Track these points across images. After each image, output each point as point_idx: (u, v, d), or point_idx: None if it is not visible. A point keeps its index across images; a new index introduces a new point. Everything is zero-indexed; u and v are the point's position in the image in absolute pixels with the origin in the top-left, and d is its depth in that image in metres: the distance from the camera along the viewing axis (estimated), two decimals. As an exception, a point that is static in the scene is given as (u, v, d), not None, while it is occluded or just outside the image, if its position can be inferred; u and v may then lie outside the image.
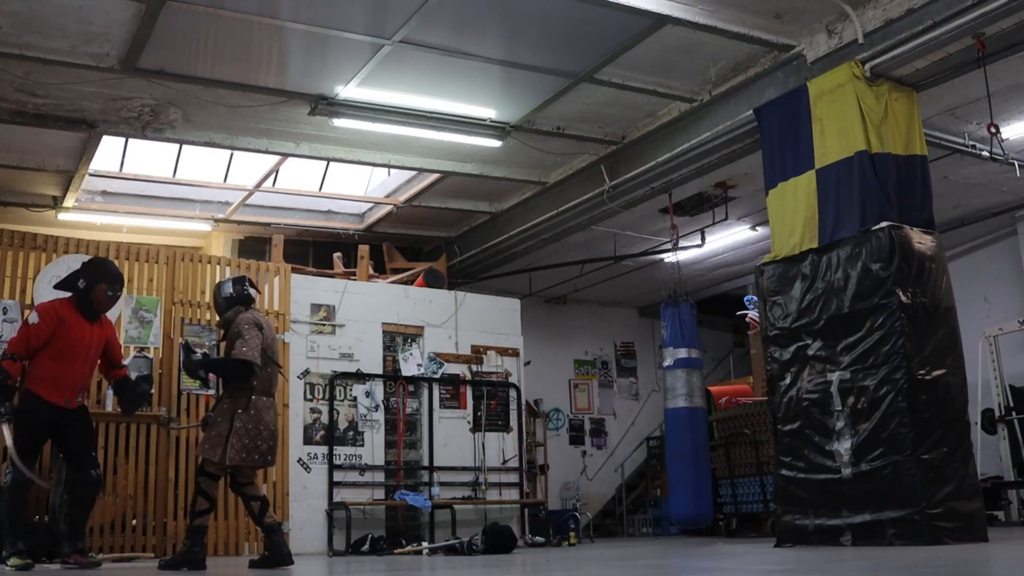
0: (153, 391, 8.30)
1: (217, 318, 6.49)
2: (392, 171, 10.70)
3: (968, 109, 8.22)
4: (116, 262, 8.37)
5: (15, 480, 5.82)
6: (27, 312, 7.44)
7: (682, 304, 9.94)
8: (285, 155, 9.39)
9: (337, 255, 11.15)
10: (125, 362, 8.24)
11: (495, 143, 9.05)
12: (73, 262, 8.20)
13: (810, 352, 6.83)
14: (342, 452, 9.22)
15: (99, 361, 6.29)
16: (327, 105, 8.17)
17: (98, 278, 6.15)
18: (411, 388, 9.84)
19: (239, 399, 5.86)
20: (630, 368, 15.33)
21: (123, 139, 9.24)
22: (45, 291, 8.01)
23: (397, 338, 9.83)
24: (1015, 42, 6.60)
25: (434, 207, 11.12)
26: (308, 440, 9.08)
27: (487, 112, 8.60)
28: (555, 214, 10.31)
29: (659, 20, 6.96)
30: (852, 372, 6.51)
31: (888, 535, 6.11)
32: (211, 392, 8.49)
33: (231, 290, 6.12)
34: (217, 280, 9.00)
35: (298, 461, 8.94)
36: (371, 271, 10.74)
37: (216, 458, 5.78)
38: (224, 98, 8.10)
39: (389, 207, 11.15)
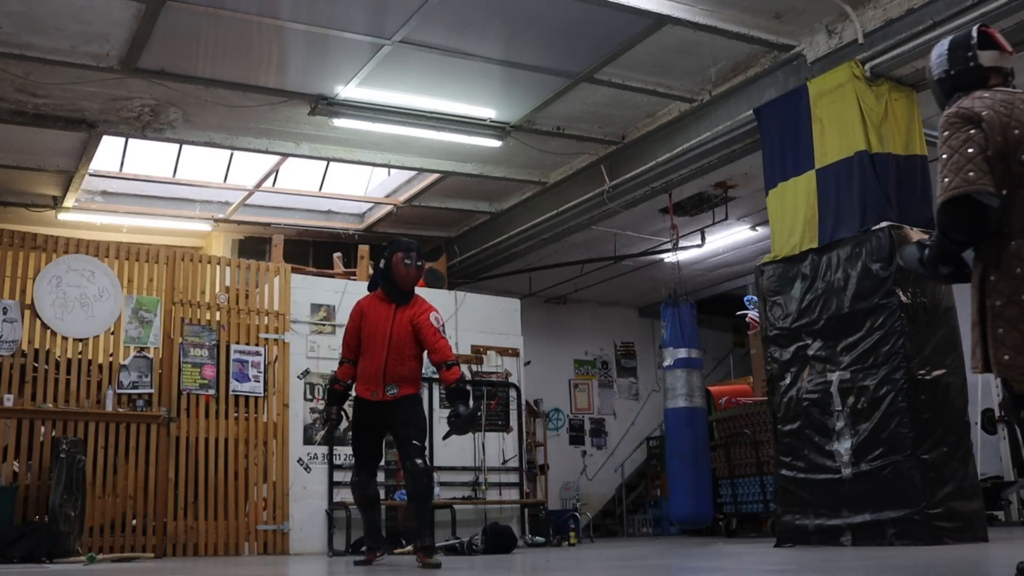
0: (153, 392, 8.31)
1: None
2: (392, 171, 10.70)
3: (968, 109, 8.22)
4: (116, 262, 8.43)
5: (353, 484, 6.00)
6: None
7: (682, 304, 9.94)
8: (285, 155, 9.39)
9: (337, 255, 11.15)
10: (125, 362, 8.28)
11: (495, 143, 9.05)
12: (73, 262, 8.24)
13: (810, 352, 6.84)
14: (342, 452, 9.20)
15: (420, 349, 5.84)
16: (327, 105, 8.17)
17: (393, 249, 5.85)
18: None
19: (987, 258, 3.20)
20: (630, 368, 15.33)
21: (123, 139, 9.24)
22: (45, 291, 8.02)
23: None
24: (1015, 42, 6.56)
25: (434, 207, 11.12)
26: (308, 440, 9.07)
27: (487, 112, 8.60)
28: (555, 214, 10.31)
29: (659, 20, 6.96)
30: (852, 372, 6.51)
31: (888, 535, 6.11)
32: (211, 393, 8.50)
33: (945, 65, 3.37)
34: (226, 281, 9.01)
35: (298, 461, 8.94)
36: (371, 271, 10.74)
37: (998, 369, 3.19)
38: (224, 98, 8.10)
39: (389, 207, 11.15)
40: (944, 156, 3.12)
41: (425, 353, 5.81)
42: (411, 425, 5.74)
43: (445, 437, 6.04)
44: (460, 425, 5.68)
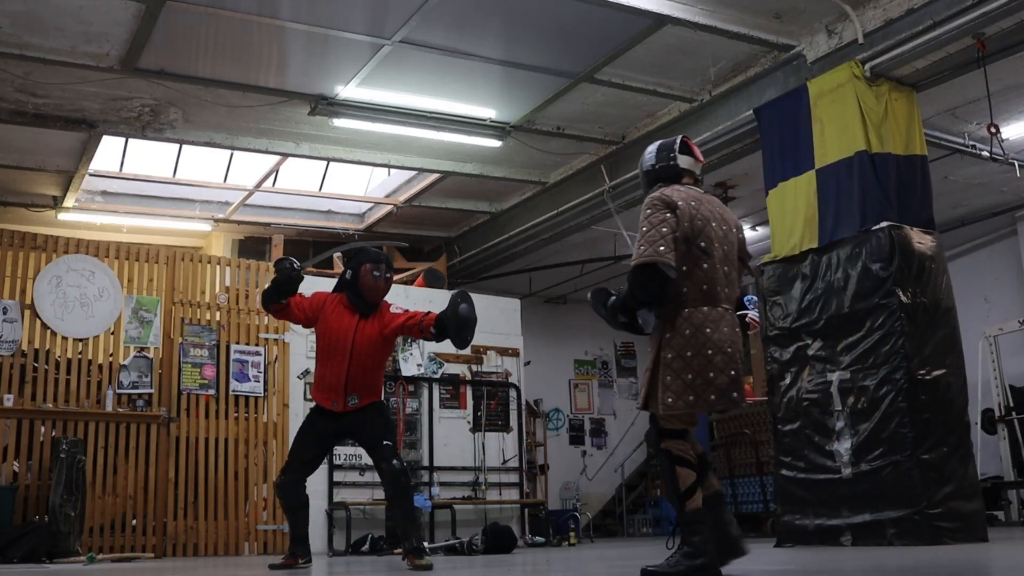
0: (153, 392, 8.31)
1: None
2: (392, 171, 10.70)
3: (968, 109, 8.23)
4: (116, 262, 8.44)
5: (281, 484, 5.72)
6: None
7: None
8: (285, 155, 9.39)
9: (337, 255, 11.15)
10: (125, 362, 8.28)
11: (495, 143, 9.05)
12: (73, 262, 8.24)
13: (810, 352, 6.83)
14: (342, 452, 9.20)
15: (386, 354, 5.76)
16: (327, 105, 8.17)
17: (361, 260, 5.64)
18: (411, 388, 9.84)
19: (676, 315, 3.88)
20: (630, 368, 15.33)
21: (123, 139, 9.23)
22: (45, 291, 8.03)
23: (397, 338, 9.82)
24: (1015, 42, 6.60)
25: (434, 207, 11.12)
26: (308, 440, 9.06)
27: (487, 112, 8.60)
28: (555, 214, 10.30)
29: (659, 20, 6.96)
30: (852, 372, 6.50)
31: (888, 535, 6.11)
32: (211, 393, 8.50)
33: (653, 160, 4.13)
34: (226, 281, 9.02)
35: (298, 461, 8.93)
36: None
37: (659, 409, 3.87)
38: (224, 98, 8.10)
39: (389, 207, 11.15)
40: (644, 229, 3.79)
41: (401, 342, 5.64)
42: (380, 427, 5.63)
43: (458, 335, 5.44)
44: (467, 314, 5.43)
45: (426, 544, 8.64)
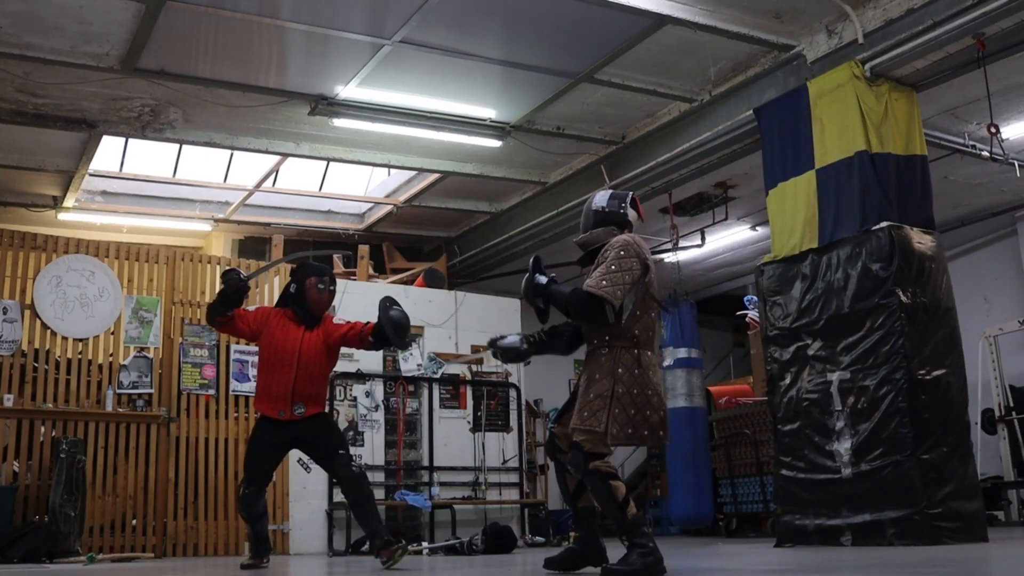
0: (153, 392, 8.32)
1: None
2: (392, 171, 10.70)
3: (968, 109, 8.23)
4: (116, 262, 8.44)
5: (243, 497, 5.89)
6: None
7: (682, 304, 9.94)
8: (285, 155, 9.38)
9: (337, 255, 11.15)
10: (125, 362, 8.29)
11: (495, 143, 9.05)
12: (73, 262, 8.24)
13: (810, 352, 6.83)
14: (342, 452, 9.21)
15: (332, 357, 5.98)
16: (327, 105, 8.17)
17: (306, 274, 5.91)
18: (411, 388, 9.84)
19: (624, 353, 4.32)
20: (630, 368, 15.29)
21: (123, 139, 9.23)
22: (45, 291, 8.03)
23: (341, 348, 9.81)
24: (1015, 42, 6.60)
25: (434, 207, 11.12)
26: (308, 440, 9.07)
27: (487, 112, 8.60)
28: (555, 214, 10.30)
29: (659, 20, 6.96)
30: (852, 372, 6.50)
31: (888, 535, 6.11)
32: (211, 393, 8.50)
33: (605, 203, 4.65)
34: (217, 280, 9.02)
35: (298, 461, 8.91)
36: (371, 271, 10.74)
37: (600, 428, 4.22)
38: (224, 98, 8.10)
39: (389, 207, 11.15)
40: (613, 267, 4.26)
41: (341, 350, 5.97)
42: (332, 437, 5.88)
43: (396, 338, 5.72)
44: (399, 317, 5.67)
45: (425, 544, 8.69)
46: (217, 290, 5.98)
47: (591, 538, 4.56)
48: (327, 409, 6.01)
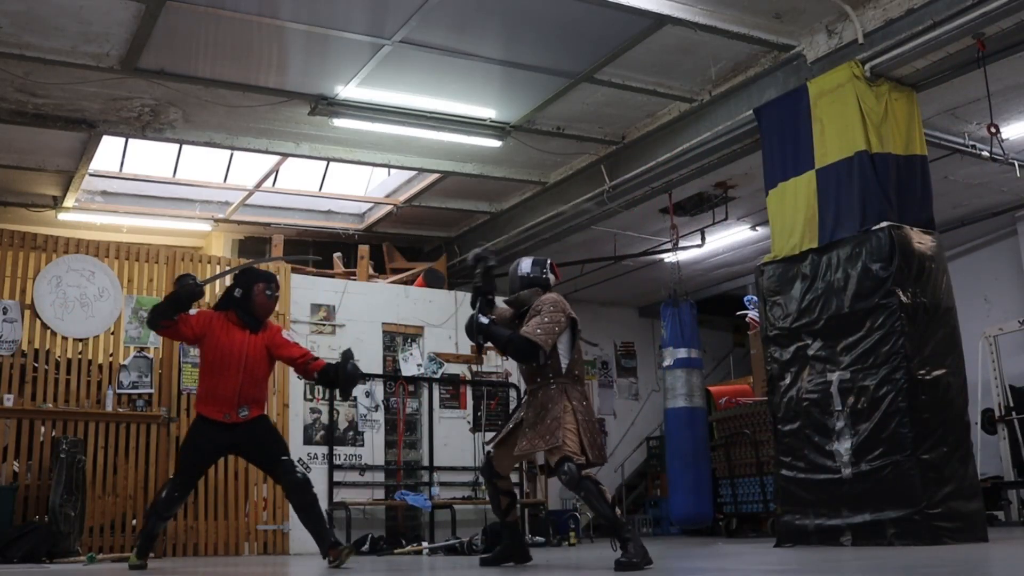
0: (153, 392, 8.32)
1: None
2: (392, 171, 10.70)
3: (968, 109, 8.22)
4: (116, 262, 8.44)
5: (170, 498, 5.84)
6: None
7: (682, 304, 9.93)
8: (285, 155, 9.38)
9: (337, 255, 11.15)
10: (125, 362, 8.29)
11: (495, 143, 9.05)
12: (73, 262, 8.24)
13: (810, 352, 6.83)
14: (342, 452, 9.22)
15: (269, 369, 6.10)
16: (327, 105, 8.17)
17: (253, 280, 5.98)
18: (411, 388, 9.85)
19: (566, 388, 5.23)
20: (630, 368, 15.32)
21: (123, 139, 9.23)
22: (45, 291, 8.03)
23: (397, 338, 9.83)
24: (1015, 42, 6.59)
25: (434, 207, 11.11)
26: (308, 440, 9.09)
27: (487, 112, 8.60)
28: (555, 214, 10.30)
29: (659, 20, 6.95)
30: (852, 372, 6.50)
31: (888, 535, 6.10)
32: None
33: (529, 270, 5.57)
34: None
35: (298, 461, 8.94)
36: (371, 271, 10.74)
37: (571, 447, 5.03)
38: (224, 98, 8.09)
39: (389, 207, 11.15)
40: (546, 319, 5.19)
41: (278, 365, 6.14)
42: (275, 443, 5.99)
43: (344, 388, 6.12)
44: (354, 370, 5.98)
45: (425, 544, 8.70)
46: (168, 294, 5.98)
47: (519, 542, 5.63)
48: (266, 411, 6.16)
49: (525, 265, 5.54)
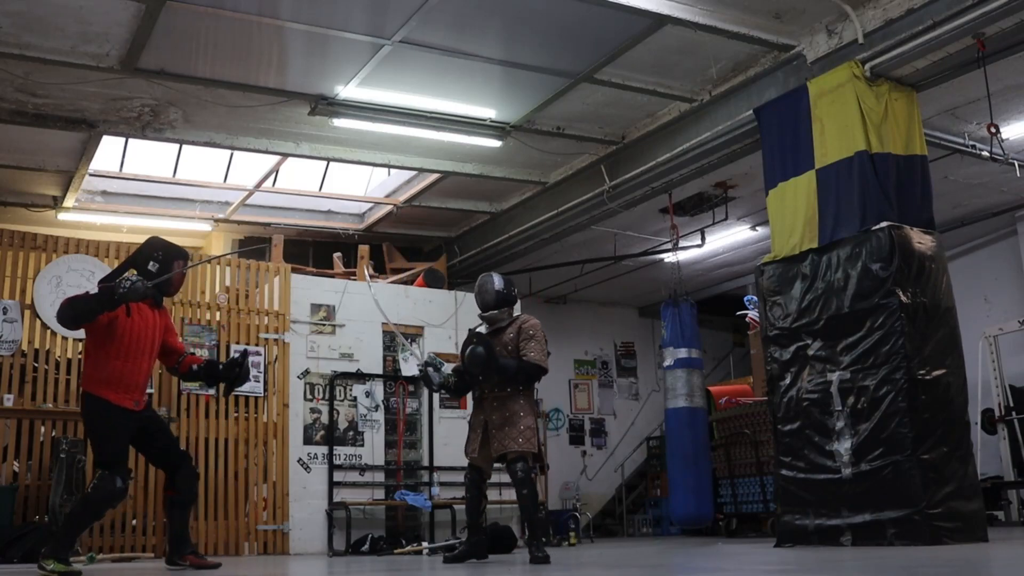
0: (153, 392, 8.32)
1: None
2: (392, 171, 10.70)
3: (968, 109, 8.22)
4: (116, 262, 8.43)
5: (116, 491, 5.32)
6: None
7: (682, 304, 9.93)
8: (285, 155, 9.38)
9: (337, 255, 11.15)
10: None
11: (495, 143, 9.05)
12: (73, 262, 8.24)
13: (810, 352, 6.83)
14: (342, 452, 9.22)
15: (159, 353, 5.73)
16: (327, 105, 8.17)
17: (174, 255, 5.55)
18: (411, 388, 9.85)
19: (530, 396, 6.13)
20: (630, 368, 15.33)
21: (123, 139, 9.24)
22: (45, 291, 8.03)
23: (397, 338, 9.83)
24: (1015, 42, 6.59)
25: (434, 207, 11.12)
26: (308, 440, 9.08)
27: (487, 112, 8.60)
28: (555, 214, 10.30)
29: (659, 20, 6.95)
30: (852, 372, 6.50)
31: (888, 535, 6.10)
32: (211, 392, 8.50)
33: (502, 287, 6.12)
34: (226, 281, 9.03)
35: (298, 461, 8.95)
36: (371, 271, 10.74)
37: (535, 450, 5.99)
38: (224, 98, 8.09)
39: (389, 207, 11.15)
40: (533, 343, 5.99)
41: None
42: (169, 433, 5.84)
43: (227, 391, 6.14)
44: (247, 370, 6.02)
45: (425, 544, 8.70)
46: (98, 291, 5.37)
47: (483, 541, 6.23)
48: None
49: (497, 281, 6.06)
